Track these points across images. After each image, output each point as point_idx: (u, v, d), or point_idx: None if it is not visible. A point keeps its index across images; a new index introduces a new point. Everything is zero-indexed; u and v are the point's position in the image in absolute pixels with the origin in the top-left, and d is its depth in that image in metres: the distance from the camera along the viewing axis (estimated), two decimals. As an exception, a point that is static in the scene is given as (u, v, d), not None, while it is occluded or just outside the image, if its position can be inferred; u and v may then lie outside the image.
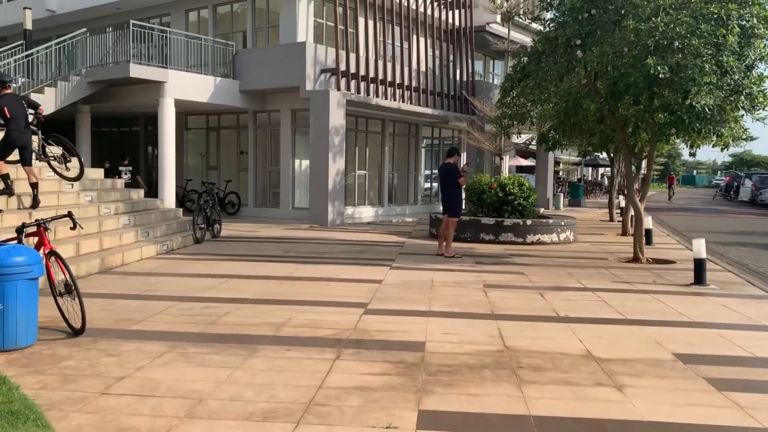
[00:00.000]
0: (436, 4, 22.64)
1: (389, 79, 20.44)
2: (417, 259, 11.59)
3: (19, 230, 5.94)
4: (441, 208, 12.92)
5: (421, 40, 22.23)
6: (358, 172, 21.02)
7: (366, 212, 21.10)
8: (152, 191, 19.02)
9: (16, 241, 5.87)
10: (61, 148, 10.72)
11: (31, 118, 9.65)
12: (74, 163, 10.85)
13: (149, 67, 16.95)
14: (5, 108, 9.28)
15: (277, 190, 20.22)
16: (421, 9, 21.97)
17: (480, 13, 24.75)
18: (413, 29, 21.69)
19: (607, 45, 10.25)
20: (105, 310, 6.97)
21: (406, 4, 21.24)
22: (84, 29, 17.83)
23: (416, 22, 21.81)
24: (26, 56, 16.73)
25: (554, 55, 11.28)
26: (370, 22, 19.92)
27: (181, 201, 20.41)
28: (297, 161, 19.85)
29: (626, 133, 12.15)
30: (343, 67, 18.68)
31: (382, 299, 7.86)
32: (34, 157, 10.05)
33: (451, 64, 23.79)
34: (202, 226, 13.55)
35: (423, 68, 22.27)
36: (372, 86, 19.86)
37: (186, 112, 21.50)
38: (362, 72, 19.39)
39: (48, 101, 16.39)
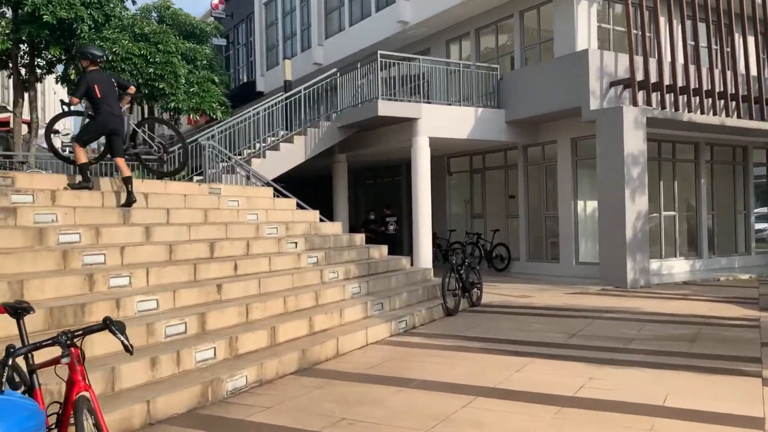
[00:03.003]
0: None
1: (705, 87, 15.29)
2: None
3: (10, 353, 2.93)
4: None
5: (749, 38, 16.60)
6: (663, 213, 16.02)
7: (678, 267, 15.90)
8: (407, 246, 16.60)
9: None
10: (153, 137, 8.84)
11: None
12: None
13: (400, 103, 14.62)
14: (96, 86, 7.65)
15: (556, 240, 16.24)
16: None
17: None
18: (735, 25, 16.22)
19: None
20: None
21: (722, -9, 15.99)
22: (334, 70, 16.37)
23: (740, 17, 16.33)
24: (283, 102, 15.69)
25: None
26: (675, 22, 15.16)
27: (444, 255, 17.62)
28: (580, 203, 15.71)
29: None
30: (639, 77, 14.24)
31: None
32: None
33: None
34: (457, 292, 10.30)
35: (754, 72, 16.54)
36: (682, 98, 14.96)
37: (448, 154, 18.92)
38: (667, 81, 14.66)
39: (297, 150, 15.03)
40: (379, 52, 14.71)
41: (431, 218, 15.04)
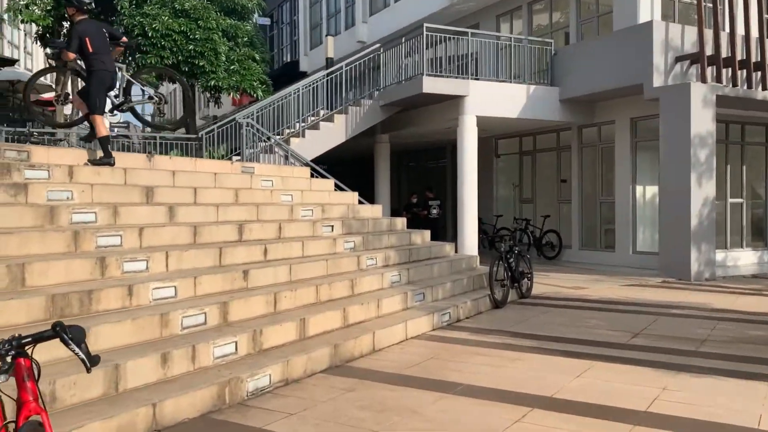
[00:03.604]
0: None
1: (782, 62, 13.96)
2: None
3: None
4: None
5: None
6: (730, 200, 14.81)
7: (744, 259, 14.70)
8: (450, 232, 15.81)
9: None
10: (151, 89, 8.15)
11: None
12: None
13: (446, 80, 13.78)
14: (87, 39, 7.02)
15: (611, 227, 15.20)
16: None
17: None
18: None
19: None
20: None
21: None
22: (377, 45, 15.59)
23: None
24: (326, 78, 15.00)
25: None
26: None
27: (490, 242, 16.78)
28: (639, 188, 14.62)
29: None
30: (709, 51, 13.03)
31: None
32: (114, 103, 7.64)
33: None
34: (505, 282, 9.50)
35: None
36: (755, 75, 13.69)
37: (496, 135, 17.98)
38: (739, 56, 13.40)
39: (338, 130, 14.37)
40: (425, 25, 13.85)
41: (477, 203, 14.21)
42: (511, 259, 9.71)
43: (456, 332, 7.56)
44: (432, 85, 13.31)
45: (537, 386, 5.32)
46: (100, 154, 7.36)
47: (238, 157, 13.14)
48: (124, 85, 7.73)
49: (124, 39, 7.79)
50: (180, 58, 17.10)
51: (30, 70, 31.60)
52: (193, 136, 17.26)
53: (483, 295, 9.09)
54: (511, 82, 14.50)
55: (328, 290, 7.05)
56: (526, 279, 10.18)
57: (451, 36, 14.40)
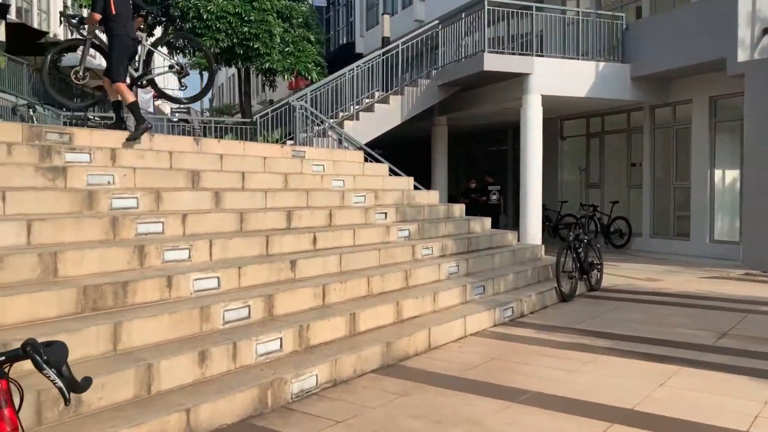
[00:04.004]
0: None
1: None
2: None
3: None
4: None
5: None
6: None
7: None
8: (511, 219, 15.10)
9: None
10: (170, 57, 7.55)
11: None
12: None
13: (508, 56, 13.04)
14: (111, 2, 6.69)
15: (686, 214, 14.16)
16: None
17: None
18: None
19: None
20: None
21: None
22: (435, 21, 14.92)
23: None
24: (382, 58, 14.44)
25: None
26: None
27: (554, 229, 16.00)
28: (718, 172, 13.54)
29: None
30: (803, 20, 11.83)
31: None
32: (133, 76, 7.30)
33: None
34: (573, 274, 8.79)
35: None
36: None
37: (561, 116, 17.06)
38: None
39: (393, 112, 13.84)
40: (486, 0, 13.09)
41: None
42: (580, 249, 8.99)
43: (520, 329, 6.96)
44: (494, 62, 12.60)
45: (615, 396, 4.69)
46: (132, 122, 7.06)
47: (292, 141, 12.79)
48: (144, 57, 7.38)
49: (144, 12, 7.45)
50: (234, 40, 16.91)
51: (92, 57, 32.36)
52: (248, 120, 17.08)
53: (549, 288, 8.43)
54: (578, 59, 13.60)
55: (381, 282, 6.57)
56: (595, 270, 9.43)
57: (515, 11, 13.58)
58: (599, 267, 9.52)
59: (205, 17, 16.49)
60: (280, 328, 5.04)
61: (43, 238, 4.85)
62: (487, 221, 10.01)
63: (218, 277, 5.35)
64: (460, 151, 22.35)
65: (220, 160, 7.56)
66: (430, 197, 9.87)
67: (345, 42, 28.82)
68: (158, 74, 7.76)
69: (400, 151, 17.24)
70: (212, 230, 6.14)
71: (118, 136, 6.89)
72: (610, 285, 9.72)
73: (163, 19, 19.88)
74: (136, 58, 7.33)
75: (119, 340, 4.19)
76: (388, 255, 7.26)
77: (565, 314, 7.76)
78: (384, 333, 5.81)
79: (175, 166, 6.97)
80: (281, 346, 4.96)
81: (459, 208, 9.98)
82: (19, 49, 21.77)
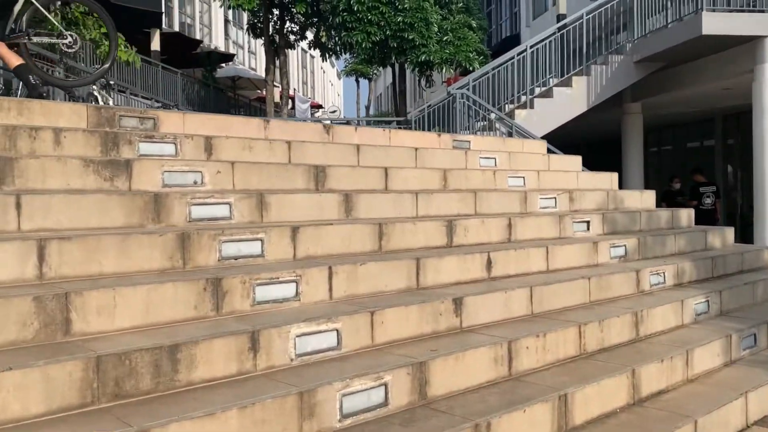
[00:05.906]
0: None
1: None
2: None
3: None
4: None
5: None
6: None
7: None
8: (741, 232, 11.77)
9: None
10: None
11: None
12: None
13: (737, 15, 9.87)
14: None
15: None
16: None
17: None
18: None
19: None
20: None
21: None
22: (628, -17, 12.05)
23: None
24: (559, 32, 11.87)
25: None
26: None
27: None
28: None
29: None
30: None
31: None
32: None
33: None
34: None
35: None
36: None
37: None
38: None
39: (577, 96, 11.23)
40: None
41: None
42: None
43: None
44: (718, 23, 9.55)
45: None
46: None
47: (451, 136, 10.67)
48: (26, 14, 5.38)
49: None
50: (388, 32, 15.26)
51: (253, 69, 32.64)
52: (401, 118, 15.29)
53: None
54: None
55: (599, 332, 4.13)
56: None
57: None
58: None
59: (356, 9, 15.02)
60: (442, 429, 2.84)
61: (63, 268, 3.05)
62: (729, 233, 7.09)
63: (337, 330, 3.27)
64: (648, 147, 18.87)
65: (357, 152, 5.55)
66: (645, 200, 7.15)
67: (509, 34, 26.28)
68: (39, 44, 5.93)
69: (577, 147, 14.41)
70: (336, 250, 4.09)
71: (218, 123, 5.13)
72: None
73: (315, 19, 18.82)
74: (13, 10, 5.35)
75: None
76: (601, 286, 4.78)
77: None
78: (615, 428, 3.39)
79: (294, 161, 5.06)
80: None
81: (686, 214, 7.15)
82: (176, 60, 21.85)
